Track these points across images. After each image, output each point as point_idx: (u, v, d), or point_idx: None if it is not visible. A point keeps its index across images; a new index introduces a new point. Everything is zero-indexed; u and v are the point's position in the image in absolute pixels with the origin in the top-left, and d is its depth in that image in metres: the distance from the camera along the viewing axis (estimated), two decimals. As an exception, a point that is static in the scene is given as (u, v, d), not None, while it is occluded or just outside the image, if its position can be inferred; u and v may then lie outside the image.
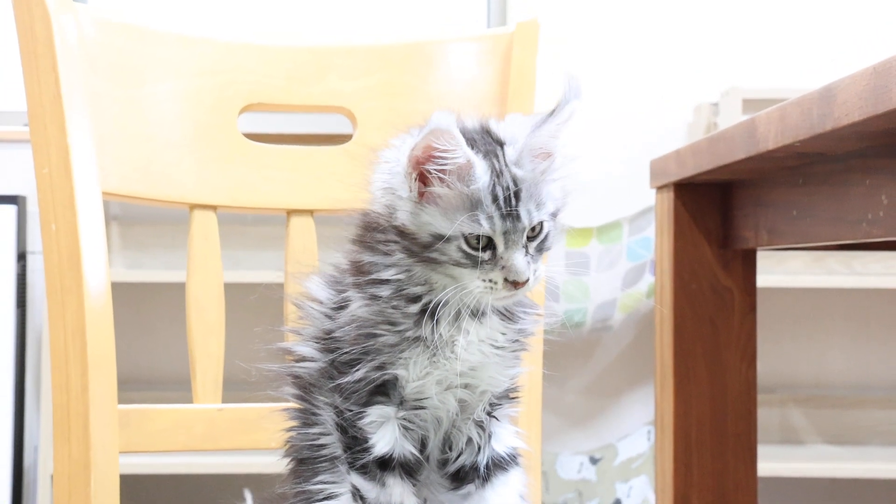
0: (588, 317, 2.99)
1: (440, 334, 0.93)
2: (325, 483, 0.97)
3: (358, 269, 0.95)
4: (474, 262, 0.91)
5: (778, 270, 3.09)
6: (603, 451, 3.12)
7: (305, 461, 0.99)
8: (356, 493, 0.95)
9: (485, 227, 0.91)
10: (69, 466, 1.07)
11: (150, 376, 3.17)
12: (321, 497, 0.97)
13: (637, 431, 3.13)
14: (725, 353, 1.66)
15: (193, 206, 1.23)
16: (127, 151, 1.19)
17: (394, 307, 0.93)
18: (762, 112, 1.23)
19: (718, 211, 1.65)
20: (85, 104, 1.14)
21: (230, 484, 3.08)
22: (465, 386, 0.96)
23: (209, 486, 3.15)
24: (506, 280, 0.91)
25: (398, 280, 0.93)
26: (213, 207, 1.24)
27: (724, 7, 3.29)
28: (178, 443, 1.18)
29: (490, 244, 0.91)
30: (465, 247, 0.91)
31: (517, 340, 0.97)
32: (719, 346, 1.67)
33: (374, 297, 0.94)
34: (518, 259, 0.91)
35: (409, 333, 0.93)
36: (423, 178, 0.92)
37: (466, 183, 0.91)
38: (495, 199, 0.91)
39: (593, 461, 3.11)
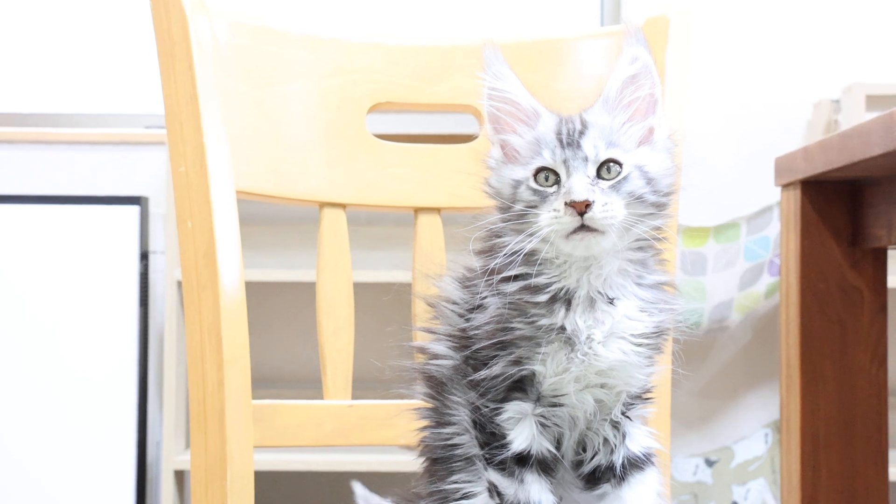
0: (704, 317, 2.95)
1: (575, 322, 0.93)
2: (460, 483, 0.97)
3: (489, 273, 0.96)
4: (543, 198, 0.93)
5: (902, 270, 3.00)
6: (719, 453, 3.07)
7: (439, 461, 0.99)
8: (493, 489, 0.95)
9: (546, 159, 0.94)
10: (206, 460, 1.09)
11: (265, 374, 3.21)
12: (457, 496, 0.97)
13: (754, 434, 3.08)
14: (854, 354, 1.62)
15: (323, 205, 1.24)
16: (256, 151, 1.21)
17: (524, 300, 0.94)
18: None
19: (847, 209, 1.61)
20: (219, 104, 1.16)
21: (359, 480, 3.11)
22: (602, 386, 0.95)
23: (338, 483, 3.18)
24: (566, 204, 0.91)
25: (524, 274, 0.94)
26: (343, 206, 1.25)
27: (845, 1, 3.22)
28: (309, 438, 1.19)
29: (558, 180, 0.93)
30: (533, 184, 0.94)
31: (654, 336, 0.96)
32: (847, 346, 1.63)
33: (505, 294, 0.94)
34: (576, 180, 0.92)
35: (542, 322, 0.93)
36: (506, 146, 0.97)
37: (534, 126, 0.95)
38: (559, 135, 0.94)
39: (709, 463, 3.07)
